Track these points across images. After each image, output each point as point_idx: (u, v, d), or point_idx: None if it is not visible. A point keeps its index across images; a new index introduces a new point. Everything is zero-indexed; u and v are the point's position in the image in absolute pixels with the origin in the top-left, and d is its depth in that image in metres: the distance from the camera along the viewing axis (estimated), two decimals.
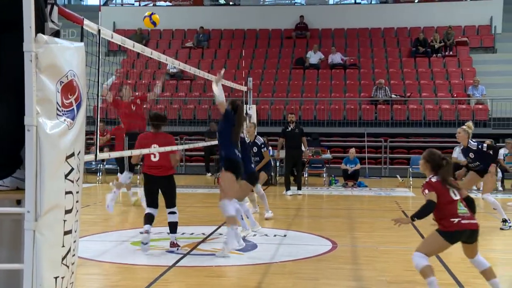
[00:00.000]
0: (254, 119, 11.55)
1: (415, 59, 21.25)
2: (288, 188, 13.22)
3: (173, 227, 7.04)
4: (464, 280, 5.72)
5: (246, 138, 8.36)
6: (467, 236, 4.84)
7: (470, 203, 5.07)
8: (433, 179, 4.95)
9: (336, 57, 21.24)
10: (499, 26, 22.25)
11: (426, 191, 4.87)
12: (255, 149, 9.85)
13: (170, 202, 7.03)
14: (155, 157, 6.94)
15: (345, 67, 21.11)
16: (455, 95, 19.28)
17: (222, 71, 7.11)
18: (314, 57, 21.36)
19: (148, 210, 7.00)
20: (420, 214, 4.85)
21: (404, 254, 7.03)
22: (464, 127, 8.91)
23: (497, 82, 19.82)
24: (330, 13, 23.60)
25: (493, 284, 4.94)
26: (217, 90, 6.70)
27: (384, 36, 22.90)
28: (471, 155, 8.82)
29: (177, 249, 6.97)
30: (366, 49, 22.14)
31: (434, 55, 21.27)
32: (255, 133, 10.15)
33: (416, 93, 19.59)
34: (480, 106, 18.52)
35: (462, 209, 4.85)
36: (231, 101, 7.08)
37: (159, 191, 7.10)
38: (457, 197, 4.88)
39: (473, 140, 8.98)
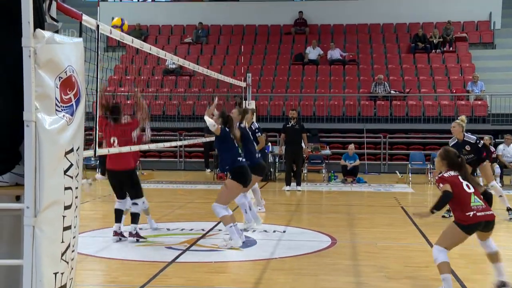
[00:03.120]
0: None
1: (414, 55, 21.23)
2: (288, 184, 13.22)
3: (133, 217, 7.24)
4: (463, 276, 5.72)
5: (243, 125, 8.21)
6: (483, 226, 4.98)
7: (487, 198, 5.21)
8: (446, 174, 5.09)
9: (335, 53, 21.22)
10: (498, 21, 22.22)
11: (441, 184, 5.02)
12: None
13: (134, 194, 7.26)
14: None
15: (344, 63, 21.09)
16: (454, 91, 19.27)
17: (215, 102, 7.54)
18: (313, 53, 21.33)
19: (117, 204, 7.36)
20: (438, 205, 5.00)
21: (404, 250, 7.05)
22: (457, 121, 9.20)
23: (496, 78, 19.81)
24: (329, 9, 23.55)
25: (498, 267, 5.10)
26: (207, 121, 7.05)
27: (383, 32, 22.87)
28: (467, 147, 9.00)
29: (137, 240, 7.18)
30: (365, 45, 22.11)
31: (433, 51, 21.24)
32: (253, 119, 9.89)
33: (415, 89, 19.58)
34: (479, 102, 18.52)
35: (476, 201, 4.96)
36: (221, 115, 7.19)
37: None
38: (471, 190, 5.00)
39: (470, 133, 9.26)
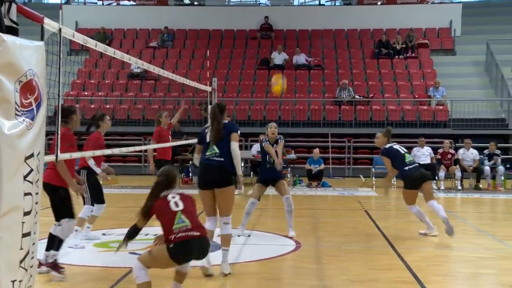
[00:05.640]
0: None
1: (378, 60, 21.58)
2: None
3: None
4: (424, 278, 5.83)
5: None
6: (190, 250, 4.44)
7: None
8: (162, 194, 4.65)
9: (301, 58, 21.40)
10: (458, 29, 22.79)
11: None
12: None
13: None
14: None
15: (309, 68, 21.29)
16: (416, 96, 19.66)
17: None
18: (278, 57, 21.47)
19: None
20: (126, 236, 4.66)
21: (367, 253, 7.15)
22: None
23: (457, 84, 20.30)
24: (295, 14, 23.77)
25: None
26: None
27: (347, 37, 23.18)
28: None
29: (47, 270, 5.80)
30: (330, 50, 22.37)
31: (396, 56, 21.63)
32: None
33: (379, 94, 19.89)
34: (441, 107, 18.94)
35: (180, 222, 4.46)
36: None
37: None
38: (179, 208, 4.53)
39: None
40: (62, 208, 5.84)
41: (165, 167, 4.91)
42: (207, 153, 5.85)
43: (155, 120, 10.31)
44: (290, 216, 8.11)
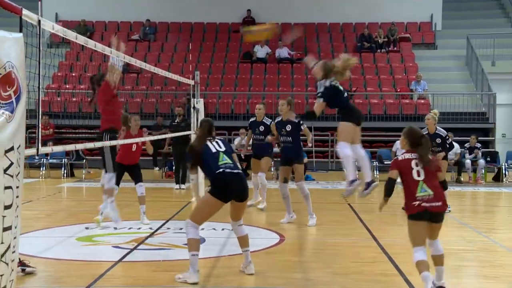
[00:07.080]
0: (201, 113, 11.49)
1: (360, 54, 21.63)
2: (177, 182, 12.99)
3: None
4: (407, 270, 5.87)
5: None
6: (429, 217, 4.76)
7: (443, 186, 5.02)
8: (400, 157, 4.93)
9: (283, 52, 21.39)
10: (439, 23, 22.96)
11: (390, 169, 4.96)
12: (261, 128, 10.08)
13: None
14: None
15: (292, 61, 21.28)
16: (398, 90, 19.77)
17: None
18: (261, 51, 21.43)
19: None
20: (385, 192, 4.89)
21: (351, 246, 7.18)
22: (431, 114, 9.63)
23: (438, 78, 20.45)
24: (277, 7, 23.69)
25: (439, 271, 4.99)
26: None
27: (330, 31, 23.21)
28: (438, 140, 9.42)
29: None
30: (313, 44, 22.38)
31: (378, 50, 21.72)
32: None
33: (361, 88, 19.96)
34: (422, 101, 19.07)
35: (423, 191, 4.77)
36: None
37: None
38: (420, 178, 4.79)
39: (441, 128, 9.69)
40: None
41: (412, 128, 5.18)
42: (220, 163, 5.46)
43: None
44: (307, 202, 8.72)
